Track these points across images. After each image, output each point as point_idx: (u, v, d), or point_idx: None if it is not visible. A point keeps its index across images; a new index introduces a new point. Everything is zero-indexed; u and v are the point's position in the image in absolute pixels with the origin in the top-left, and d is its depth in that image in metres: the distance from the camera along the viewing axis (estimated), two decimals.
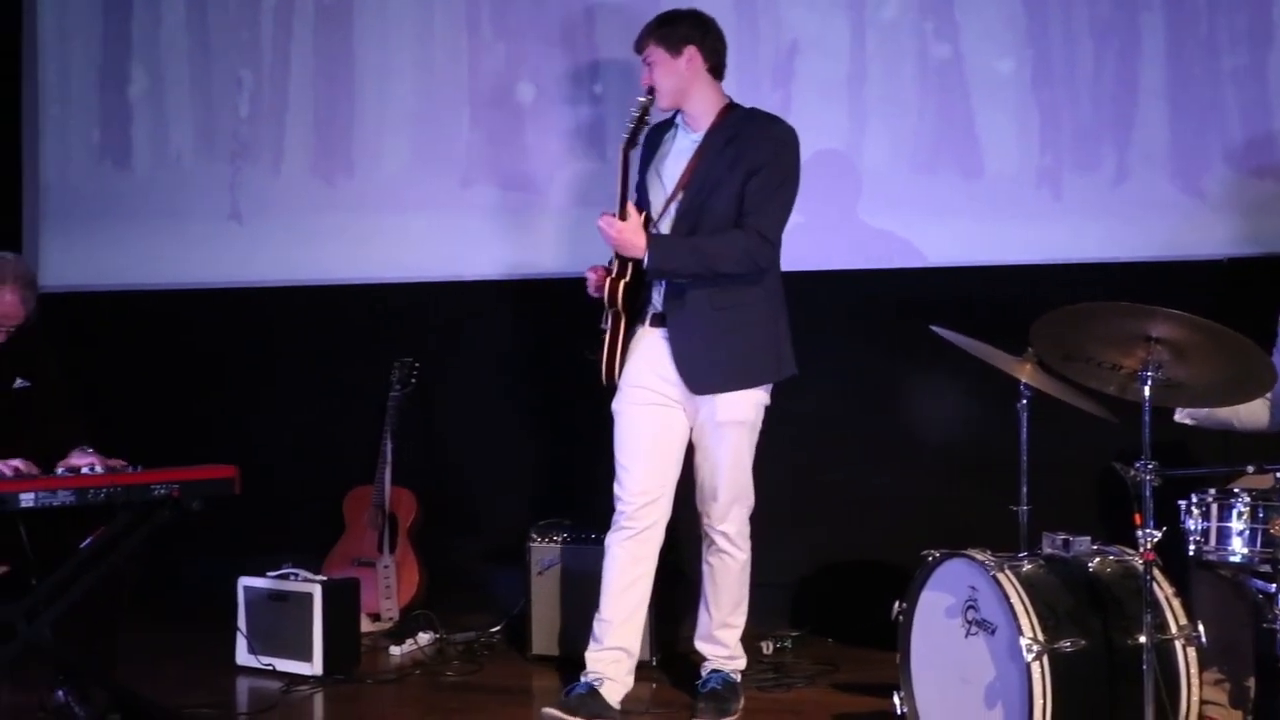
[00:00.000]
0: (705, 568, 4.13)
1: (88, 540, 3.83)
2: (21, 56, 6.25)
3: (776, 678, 4.45)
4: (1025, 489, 3.70)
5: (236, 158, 5.98)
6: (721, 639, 4.13)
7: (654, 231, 3.92)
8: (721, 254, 3.86)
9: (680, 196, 3.95)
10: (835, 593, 5.10)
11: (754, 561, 4.88)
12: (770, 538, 5.08)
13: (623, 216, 3.86)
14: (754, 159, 3.90)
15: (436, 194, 5.68)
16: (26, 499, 3.58)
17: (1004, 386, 3.83)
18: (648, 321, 4.00)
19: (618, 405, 4.03)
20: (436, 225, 5.66)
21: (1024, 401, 3.72)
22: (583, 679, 3.95)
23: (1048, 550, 3.44)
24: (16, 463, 3.72)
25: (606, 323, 4.00)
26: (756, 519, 4.92)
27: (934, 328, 3.82)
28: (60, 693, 3.97)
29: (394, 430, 5.35)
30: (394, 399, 5.39)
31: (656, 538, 3.99)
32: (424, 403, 5.49)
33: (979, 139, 4.99)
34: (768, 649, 4.78)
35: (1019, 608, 3.18)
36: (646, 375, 3.98)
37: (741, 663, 4.18)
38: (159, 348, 6.05)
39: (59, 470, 3.81)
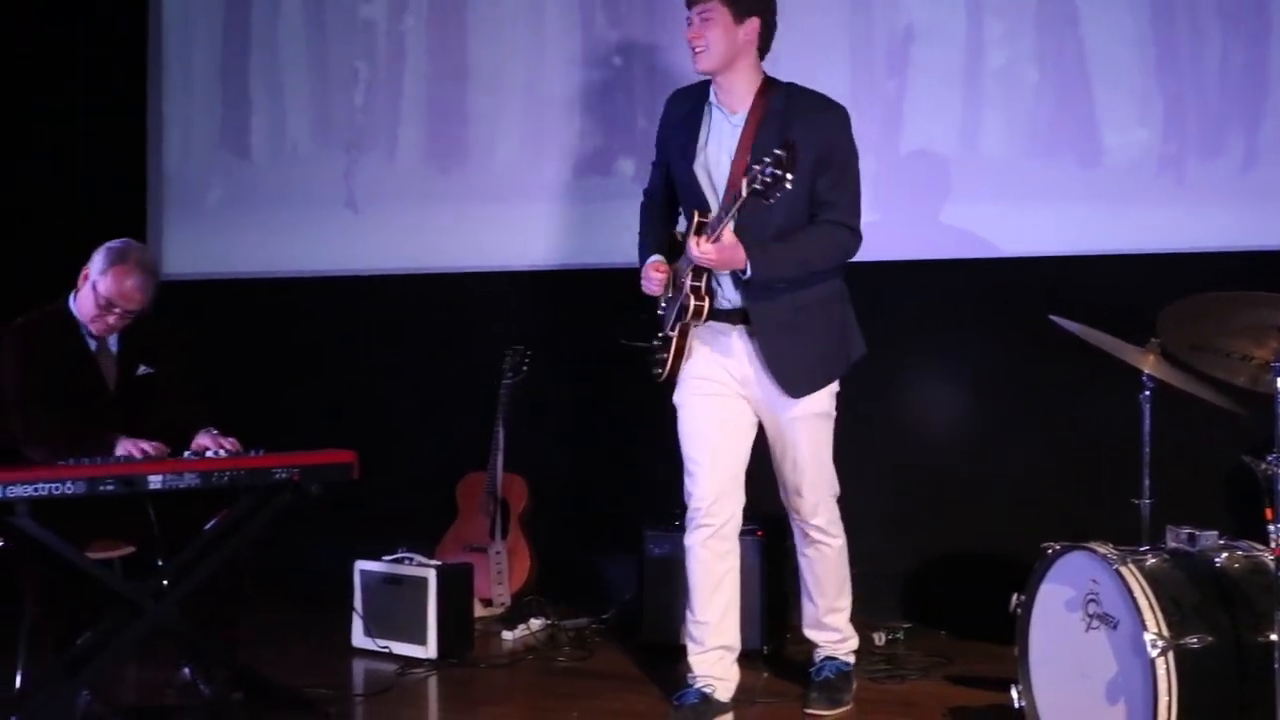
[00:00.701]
0: (803, 560, 4.09)
1: (212, 522, 3.92)
2: (146, 49, 6.40)
3: (889, 669, 4.42)
4: (1148, 482, 3.63)
5: (352, 147, 6.07)
6: (830, 624, 4.11)
7: (720, 231, 3.62)
8: (820, 255, 3.77)
9: (740, 192, 3.63)
10: (948, 585, 5.04)
11: (866, 553, 4.85)
12: (882, 529, 5.06)
13: (715, 237, 3.63)
14: (820, 150, 3.70)
15: (549, 182, 5.71)
16: (154, 481, 3.68)
17: (1122, 377, 3.77)
18: (707, 316, 3.82)
19: (680, 398, 3.95)
20: (549, 213, 5.70)
21: (1147, 393, 3.65)
22: (691, 685, 3.91)
23: (1172, 544, 3.38)
24: (146, 445, 3.81)
25: (672, 321, 3.85)
26: (867, 510, 4.89)
27: (1053, 317, 3.76)
28: (186, 670, 4.09)
29: (506, 417, 5.39)
30: (506, 386, 5.43)
31: (735, 530, 3.93)
32: (536, 390, 5.53)
33: (1098, 125, 4.90)
34: (879, 640, 4.75)
35: (1143, 602, 3.12)
36: (709, 367, 3.88)
37: (854, 642, 4.16)
38: (276, 334, 6.16)
39: (185, 454, 3.89)
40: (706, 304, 3.78)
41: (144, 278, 4.00)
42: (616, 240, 5.54)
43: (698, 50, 3.77)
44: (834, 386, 3.94)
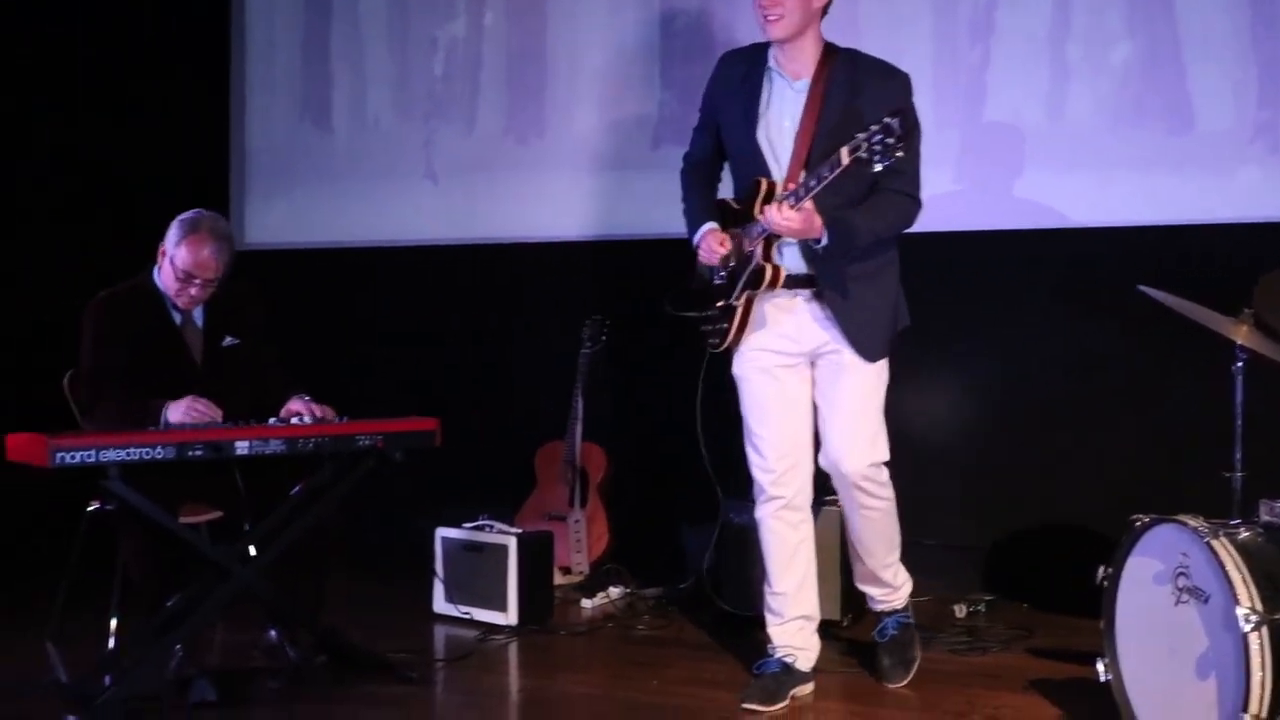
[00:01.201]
0: (851, 520, 3.97)
1: (297, 488, 3.97)
2: (230, 23, 6.46)
3: (970, 641, 4.39)
4: (1240, 455, 3.56)
5: (431, 118, 6.10)
6: (884, 578, 4.04)
7: (796, 201, 3.57)
8: (889, 225, 3.72)
9: (806, 159, 3.65)
10: (1030, 557, 5.00)
11: (946, 526, 4.85)
12: (962, 503, 5.03)
13: (799, 205, 3.57)
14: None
15: (627, 153, 5.70)
16: (241, 447, 3.73)
17: (1211, 349, 3.70)
18: (764, 285, 3.76)
19: (740, 370, 3.90)
20: (627, 184, 5.69)
21: (1239, 364, 3.58)
22: (771, 655, 3.89)
23: (1265, 518, 3.31)
24: (200, 406, 3.83)
25: (739, 289, 3.78)
26: (947, 484, 4.88)
27: (1142, 288, 3.70)
28: (272, 633, 4.14)
29: (585, 387, 5.41)
30: (585, 356, 5.44)
31: (806, 500, 3.89)
32: (614, 360, 5.53)
33: (1189, 92, 4.80)
34: (960, 613, 4.72)
35: (1235, 576, 3.06)
36: (768, 338, 3.83)
37: (909, 587, 4.08)
38: (357, 304, 6.23)
39: (272, 420, 3.93)
40: (781, 270, 3.73)
41: (218, 245, 4.02)
42: None
43: (771, 18, 3.69)
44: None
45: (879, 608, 4.11)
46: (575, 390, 5.41)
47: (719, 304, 3.84)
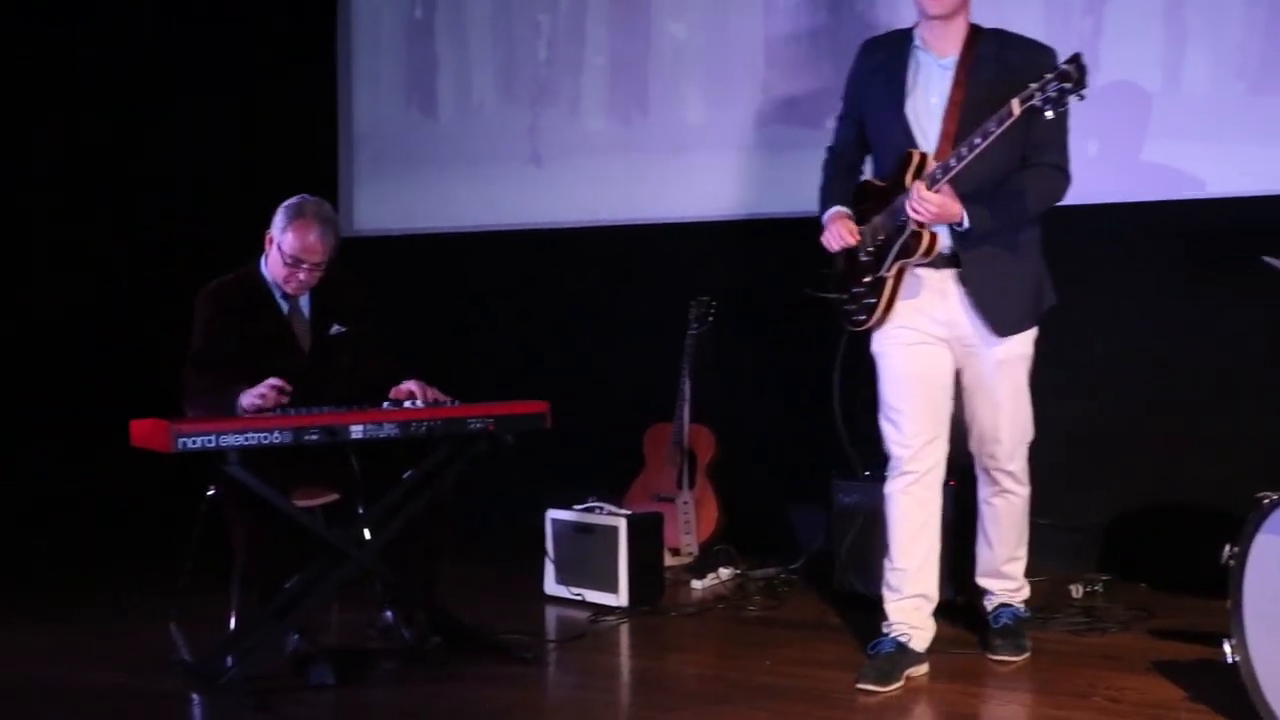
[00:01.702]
0: (986, 508, 4.03)
1: (410, 471, 4.00)
2: (336, 9, 6.54)
3: (1089, 622, 4.32)
4: None
5: (535, 102, 6.12)
6: (1008, 572, 4.06)
7: (934, 183, 3.59)
8: (1034, 201, 3.72)
9: (955, 135, 3.65)
10: (1148, 536, 4.90)
11: (1061, 505, 4.77)
12: (1078, 480, 4.95)
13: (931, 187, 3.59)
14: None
15: (732, 133, 5.68)
16: (356, 431, 3.77)
17: None
18: (919, 253, 3.74)
19: (880, 347, 3.88)
20: (733, 164, 5.67)
21: None
22: (886, 634, 3.86)
23: None
24: (264, 389, 3.83)
25: (890, 261, 3.75)
26: (1062, 462, 4.79)
27: (1266, 259, 3.59)
28: (387, 614, 4.19)
29: (692, 368, 5.40)
30: (691, 337, 5.43)
31: (939, 479, 3.87)
32: (721, 341, 5.52)
33: None
34: (1077, 593, 4.64)
35: None
36: (911, 315, 3.81)
37: (1027, 592, 4.11)
38: (464, 288, 6.28)
39: (385, 404, 3.97)
40: (938, 238, 3.70)
41: (323, 228, 4.05)
42: (801, 189, 5.48)
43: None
44: (1033, 330, 3.88)
45: (996, 601, 4.08)
46: (682, 371, 5.41)
47: (866, 279, 3.83)
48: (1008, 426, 3.87)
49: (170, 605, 4.43)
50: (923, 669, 3.85)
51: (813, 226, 5.43)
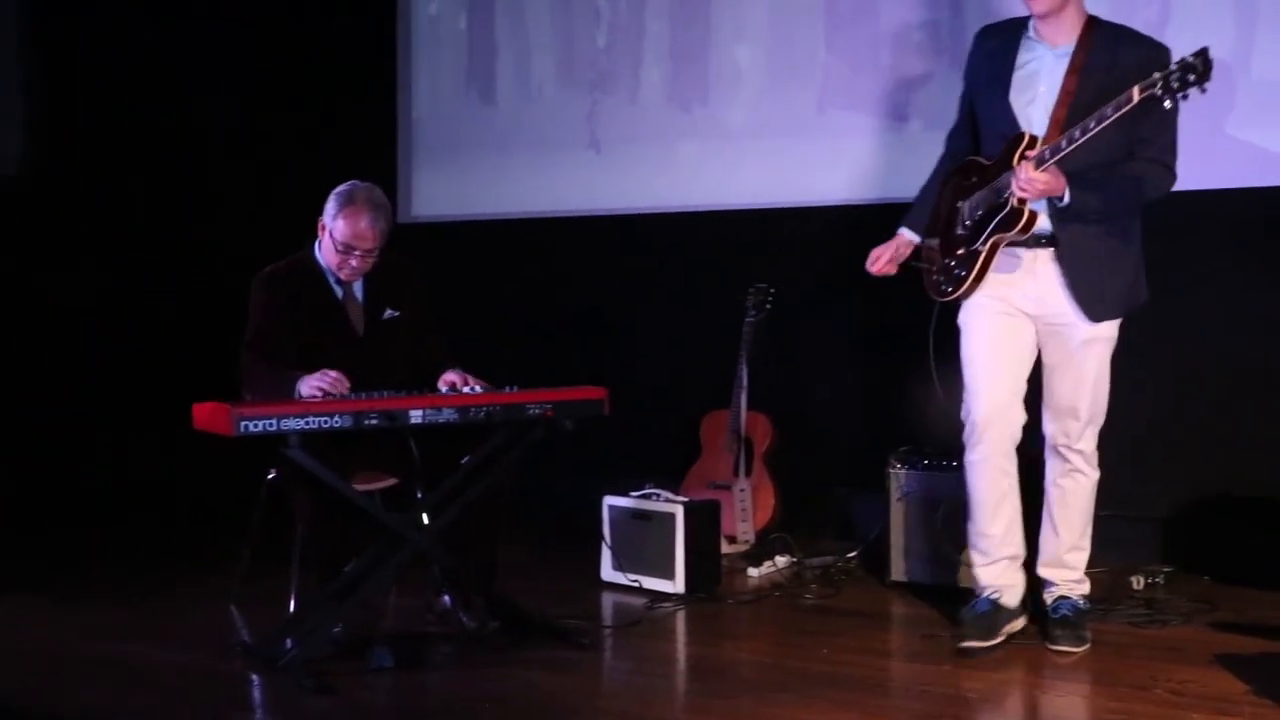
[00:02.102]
0: (1054, 490, 4.03)
1: (468, 456, 4.02)
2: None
3: (1150, 614, 4.27)
4: None
5: (594, 88, 6.12)
6: (1070, 562, 4.04)
7: (1041, 164, 3.67)
8: (1136, 191, 3.79)
9: (1062, 124, 3.72)
10: (1211, 528, 4.84)
11: (1122, 495, 4.71)
12: (1141, 471, 4.89)
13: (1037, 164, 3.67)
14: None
15: (792, 119, 5.65)
16: (415, 415, 3.79)
17: None
18: (1017, 229, 3.82)
19: (965, 316, 3.98)
20: (792, 150, 5.64)
21: None
22: (980, 596, 3.98)
23: None
24: (325, 382, 3.85)
25: (987, 234, 3.82)
26: (1125, 452, 4.73)
27: None
28: (445, 599, 4.21)
29: (749, 355, 5.38)
30: (749, 324, 5.41)
31: (1012, 447, 3.95)
32: (779, 328, 5.50)
33: None
34: (1138, 584, 4.60)
35: None
36: (999, 287, 3.90)
37: (1087, 587, 4.08)
38: (523, 274, 6.29)
39: (443, 389, 3.99)
40: (1037, 216, 3.77)
41: (374, 215, 4.06)
42: (861, 177, 5.50)
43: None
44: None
45: (1057, 592, 4.05)
46: (739, 359, 5.39)
47: (959, 252, 3.90)
48: (1086, 406, 3.92)
49: (230, 587, 4.50)
50: (1019, 623, 3.98)
51: (871, 213, 5.44)
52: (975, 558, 4.00)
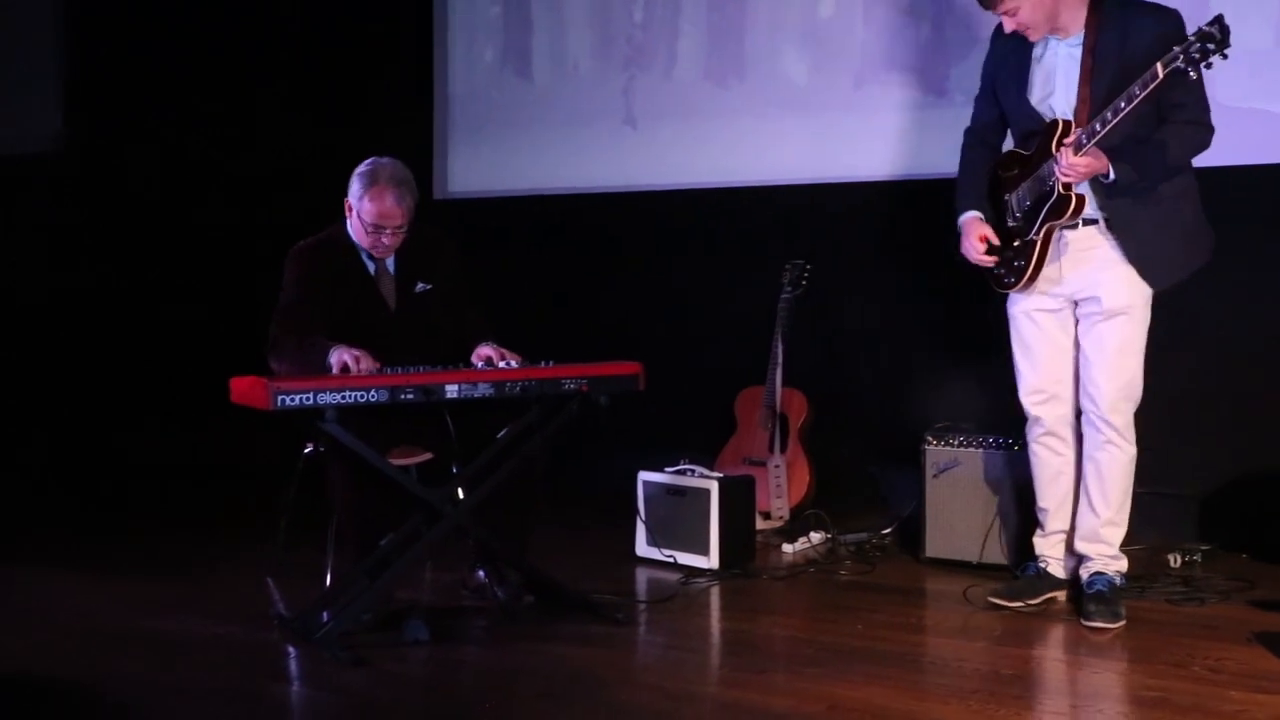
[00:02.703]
0: (1089, 464, 4.06)
1: (503, 431, 4.03)
2: None
3: (1187, 592, 4.25)
4: None
5: (630, 64, 6.10)
6: (1106, 537, 4.07)
7: (1079, 149, 3.74)
8: (1179, 155, 3.85)
9: (1090, 103, 3.79)
10: (1250, 506, 4.80)
11: (1160, 473, 4.68)
12: (1178, 448, 4.86)
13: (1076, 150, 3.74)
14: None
15: (828, 95, 5.62)
16: (451, 390, 3.80)
17: None
18: (1067, 215, 3.91)
19: (1014, 310, 4.10)
20: (828, 126, 5.62)
21: None
22: (1031, 564, 4.19)
23: None
24: (353, 353, 3.82)
25: (1038, 223, 3.91)
26: (1164, 427, 4.69)
27: None
28: (480, 573, 4.23)
29: (785, 331, 5.37)
30: (785, 300, 5.40)
31: (1065, 429, 4.09)
32: (815, 304, 5.48)
33: None
34: (1175, 562, 4.57)
35: None
36: (1050, 281, 4.00)
37: (1124, 564, 4.10)
38: (558, 250, 6.29)
39: (478, 364, 4.00)
40: (1085, 199, 3.86)
41: (399, 192, 4.06)
42: (897, 153, 5.47)
43: (1006, 14, 3.88)
44: (1147, 291, 3.94)
45: (1093, 568, 4.06)
46: (775, 335, 5.38)
47: (1015, 244, 4.00)
48: (1113, 376, 3.96)
49: (267, 561, 4.53)
50: (1062, 594, 4.13)
51: (909, 189, 5.41)
52: (1036, 530, 4.20)
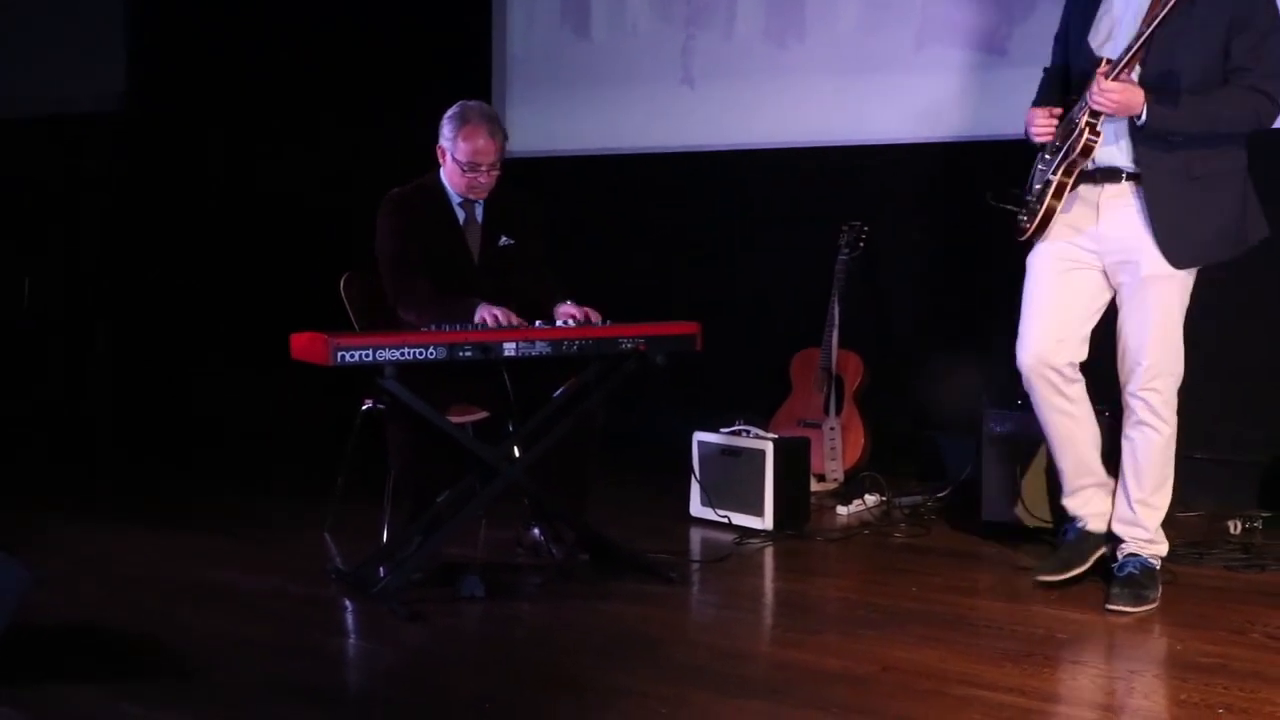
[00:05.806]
0: (1125, 443, 3.88)
1: (560, 390, 4.05)
2: None
3: (1247, 559, 4.21)
4: None
5: (689, 23, 6.07)
6: (1142, 520, 3.88)
7: (1113, 72, 3.61)
8: (1228, 116, 3.64)
9: (1144, 61, 3.63)
10: None
11: (1220, 439, 4.64)
12: (1240, 414, 4.81)
13: (1114, 76, 3.60)
14: (1234, 11, 3.59)
15: (888, 56, 5.58)
16: (509, 348, 3.82)
17: None
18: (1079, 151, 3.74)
19: (1032, 261, 3.92)
20: (889, 87, 5.57)
21: None
22: (1068, 526, 4.06)
23: None
24: (496, 312, 3.92)
25: (1057, 163, 3.76)
26: (1225, 395, 4.66)
27: None
28: (535, 531, 4.26)
29: (841, 293, 5.36)
30: (841, 262, 5.38)
31: (1069, 380, 3.89)
32: (871, 266, 5.46)
33: None
34: (1235, 529, 4.53)
35: None
36: (1064, 232, 3.83)
37: (1163, 549, 3.93)
38: (616, 209, 6.30)
39: (539, 323, 4.02)
40: (1096, 143, 3.68)
41: (490, 128, 4.12)
42: (957, 114, 5.41)
43: None
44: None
45: (1126, 549, 3.91)
46: (831, 297, 5.36)
47: (1037, 186, 3.84)
48: (1149, 349, 3.76)
49: (325, 516, 4.59)
50: (1103, 551, 3.97)
51: (969, 150, 5.36)
52: (1063, 492, 4.03)
